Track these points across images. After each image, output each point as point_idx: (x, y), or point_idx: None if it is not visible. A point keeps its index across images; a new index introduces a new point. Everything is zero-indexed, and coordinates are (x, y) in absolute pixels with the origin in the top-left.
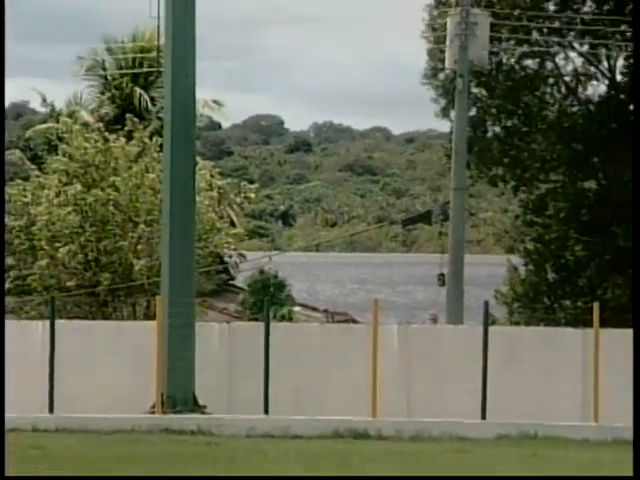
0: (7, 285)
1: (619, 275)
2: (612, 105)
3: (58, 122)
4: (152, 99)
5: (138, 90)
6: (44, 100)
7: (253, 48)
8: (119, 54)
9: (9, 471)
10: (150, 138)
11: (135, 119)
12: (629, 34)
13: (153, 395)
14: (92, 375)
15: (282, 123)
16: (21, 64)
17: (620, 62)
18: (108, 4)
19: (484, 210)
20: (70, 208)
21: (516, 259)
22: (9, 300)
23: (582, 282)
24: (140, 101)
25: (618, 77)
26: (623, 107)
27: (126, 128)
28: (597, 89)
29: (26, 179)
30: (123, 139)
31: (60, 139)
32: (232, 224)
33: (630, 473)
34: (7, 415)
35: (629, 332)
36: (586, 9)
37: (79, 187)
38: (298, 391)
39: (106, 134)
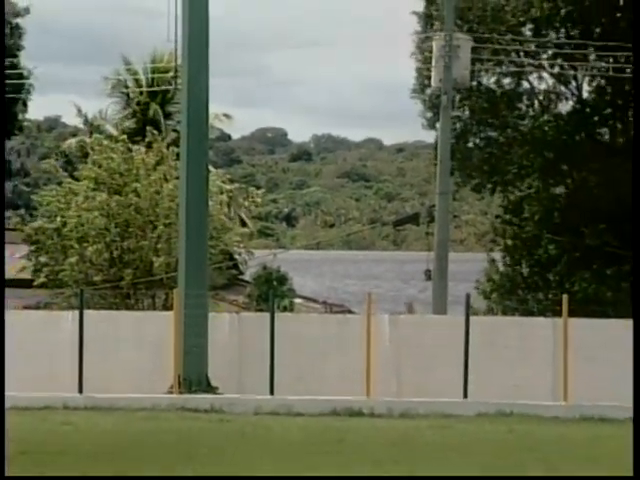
0: (41, 279)
1: (586, 270)
2: (579, 119)
3: (91, 135)
4: (169, 114)
5: (156, 106)
6: (79, 111)
7: (260, 68)
8: (140, 74)
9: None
10: (167, 148)
11: (154, 131)
12: (594, 58)
13: (171, 377)
14: (116, 359)
15: (285, 135)
16: (52, 82)
17: (586, 82)
18: (131, 29)
19: (466, 212)
20: (97, 212)
21: (494, 256)
22: (44, 293)
23: (553, 276)
24: (157, 116)
25: (585, 95)
26: (589, 121)
27: (146, 140)
28: (566, 105)
29: (58, 185)
30: (143, 149)
31: (89, 150)
32: (242, 225)
33: (595, 446)
34: (40, 394)
35: (595, 321)
36: (559, 34)
37: (105, 195)
38: (300, 374)
39: (129, 145)
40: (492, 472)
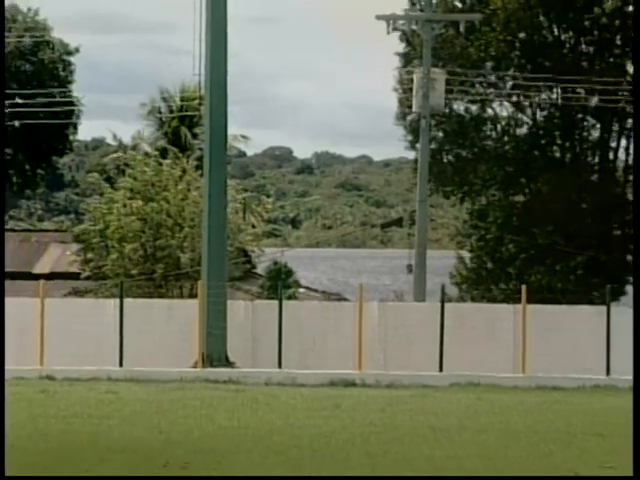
0: (87, 273)
1: (540, 265)
2: (533, 140)
3: (125, 153)
4: (195, 135)
5: (184, 128)
6: (114, 136)
7: (270, 96)
8: (171, 102)
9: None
10: (187, 161)
11: (177, 150)
12: (545, 91)
13: (196, 354)
14: (150, 339)
15: (291, 152)
16: (98, 109)
17: (539, 109)
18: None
19: (441, 217)
20: (133, 216)
21: (464, 253)
22: (90, 284)
23: (512, 270)
24: (185, 137)
25: (538, 120)
26: (541, 141)
27: (174, 157)
28: (522, 128)
29: (101, 195)
30: (172, 164)
31: (127, 165)
32: (254, 227)
33: (548, 410)
34: (88, 368)
35: (547, 307)
36: (515, 70)
37: (140, 202)
38: (303, 351)
39: (160, 160)
40: (463, 430)
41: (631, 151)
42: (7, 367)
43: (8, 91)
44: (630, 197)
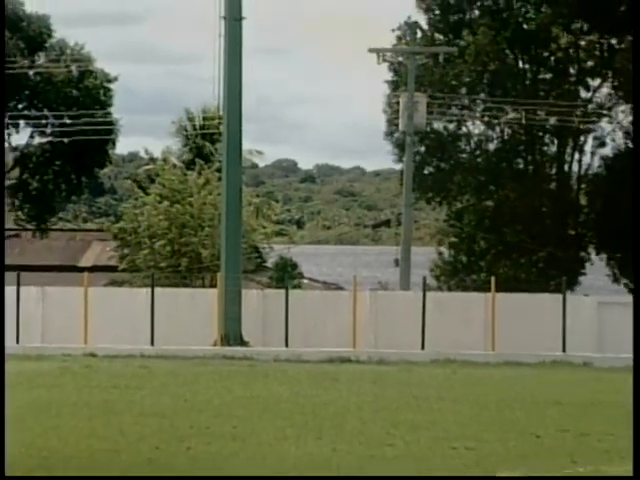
0: (123, 266)
1: (507, 259)
2: (501, 154)
3: (156, 164)
4: (216, 149)
5: (206, 143)
6: (147, 151)
7: (280, 117)
8: (195, 121)
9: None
10: (202, 169)
11: (202, 162)
12: (511, 112)
13: (215, 334)
14: (177, 322)
15: (296, 164)
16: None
17: (506, 127)
18: (188, 89)
19: (423, 219)
20: (162, 217)
21: (443, 249)
22: (125, 276)
23: (484, 264)
24: (207, 151)
25: (505, 136)
26: (508, 155)
27: (197, 168)
28: (492, 144)
29: (135, 199)
30: (195, 174)
31: (157, 174)
32: (264, 227)
33: (509, 383)
34: (124, 346)
35: (513, 295)
36: (486, 94)
37: (167, 204)
38: (306, 332)
39: (185, 171)
40: (441, 399)
41: (583, 163)
42: (57, 345)
43: (58, 113)
44: (582, 202)
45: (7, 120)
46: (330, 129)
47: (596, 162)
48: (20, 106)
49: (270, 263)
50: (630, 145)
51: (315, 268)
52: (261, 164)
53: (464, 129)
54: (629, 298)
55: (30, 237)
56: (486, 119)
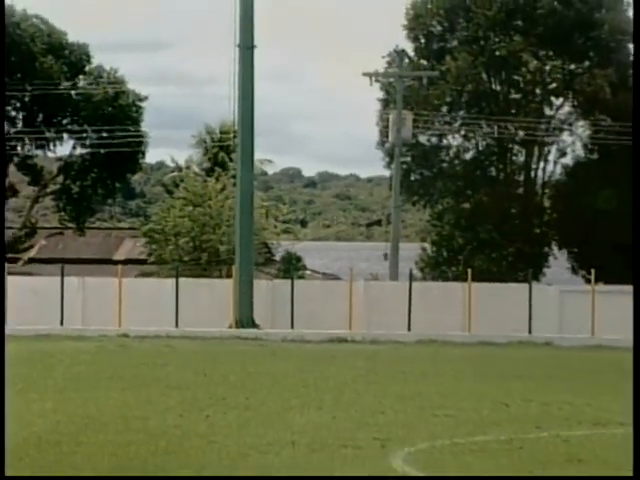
0: (152, 259)
1: (481, 254)
2: (477, 162)
3: (180, 172)
4: (231, 159)
5: (223, 153)
6: (172, 160)
7: (287, 130)
8: (213, 135)
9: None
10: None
11: (220, 170)
12: (485, 127)
13: (230, 318)
14: (199, 307)
15: (300, 171)
16: (161, 140)
17: (481, 141)
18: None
19: (410, 219)
20: (185, 218)
21: (426, 245)
22: (154, 268)
23: (461, 258)
24: (223, 160)
25: (481, 148)
26: (483, 164)
27: (215, 175)
28: (469, 154)
29: (162, 202)
30: (214, 180)
31: (181, 181)
32: (275, 227)
33: (486, 360)
34: (153, 328)
35: (486, 284)
36: (464, 113)
37: (190, 207)
38: (309, 316)
39: (205, 178)
40: (425, 374)
41: (547, 171)
42: (94, 327)
43: (96, 127)
44: (546, 205)
45: (53, 134)
46: (329, 141)
47: (558, 170)
48: (64, 122)
49: (278, 257)
50: (589, 156)
51: (317, 261)
52: (270, 172)
53: (445, 141)
54: (587, 287)
55: (71, 234)
56: (464, 133)
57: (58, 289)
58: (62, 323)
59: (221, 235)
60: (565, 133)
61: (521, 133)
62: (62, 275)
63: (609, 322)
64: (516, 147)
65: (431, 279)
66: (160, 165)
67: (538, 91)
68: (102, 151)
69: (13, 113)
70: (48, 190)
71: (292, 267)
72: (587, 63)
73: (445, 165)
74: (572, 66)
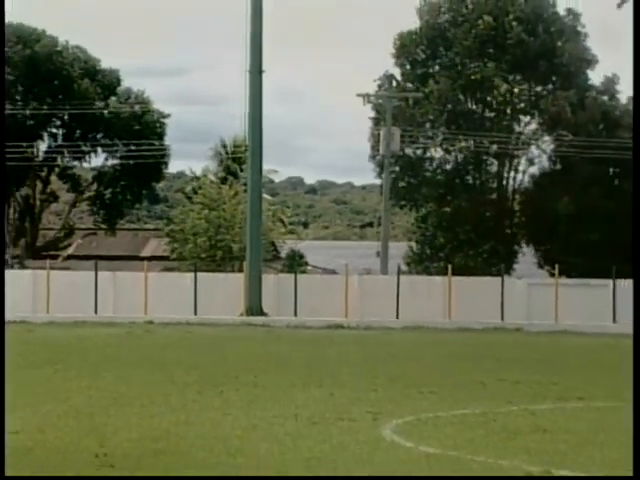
0: (173, 256)
1: (460, 252)
2: (456, 172)
3: (198, 180)
4: (242, 169)
5: (235, 164)
6: (191, 170)
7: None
8: (227, 147)
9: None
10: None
11: (233, 179)
12: (463, 141)
13: (242, 307)
14: (214, 298)
15: (302, 180)
16: (181, 153)
17: (459, 153)
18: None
19: (398, 221)
20: (203, 220)
21: (412, 244)
22: (175, 264)
23: (443, 255)
24: (236, 170)
25: (459, 160)
26: (461, 173)
27: (229, 183)
28: (449, 164)
29: (183, 206)
30: (227, 188)
31: (199, 187)
32: (285, 226)
33: (465, 344)
34: (174, 316)
35: (464, 278)
36: (445, 129)
37: (207, 211)
38: (310, 305)
39: (220, 185)
40: (409, 356)
41: (516, 179)
42: (124, 315)
43: (125, 141)
44: (516, 208)
45: (88, 147)
46: (328, 153)
47: (526, 179)
48: (98, 136)
49: (283, 254)
50: (552, 167)
51: (317, 258)
52: (276, 180)
53: (428, 154)
54: (551, 280)
55: (104, 235)
56: (445, 146)
57: (92, 282)
58: (96, 312)
59: (234, 235)
60: (532, 147)
61: (494, 147)
62: (96, 270)
63: (571, 310)
64: (490, 159)
65: (416, 273)
66: (181, 174)
67: (508, 110)
68: (131, 162)
69: (54, 130)
70: (84, 196)
71: (295, 263)
72: (550, 86)
73: (428, 174)
74: (538, 89)
